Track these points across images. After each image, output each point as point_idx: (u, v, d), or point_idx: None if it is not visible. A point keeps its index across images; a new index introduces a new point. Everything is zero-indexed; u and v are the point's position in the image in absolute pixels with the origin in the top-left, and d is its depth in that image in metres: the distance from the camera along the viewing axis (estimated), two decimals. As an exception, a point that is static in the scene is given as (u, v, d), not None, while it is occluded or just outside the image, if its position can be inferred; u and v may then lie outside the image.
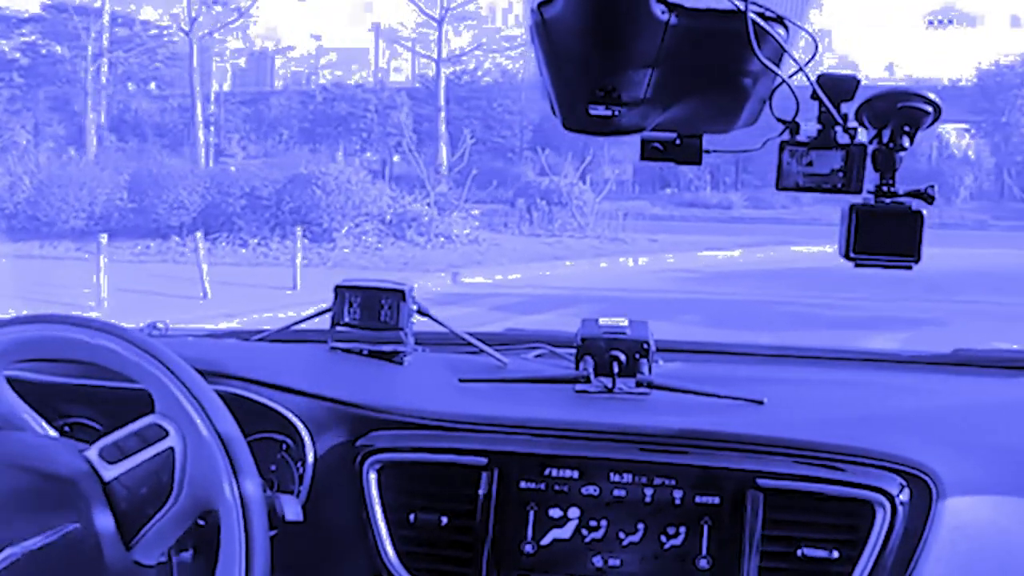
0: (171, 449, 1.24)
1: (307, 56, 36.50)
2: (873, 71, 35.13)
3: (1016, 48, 35.62)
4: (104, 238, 12.61)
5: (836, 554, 1.34)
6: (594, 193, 20.34)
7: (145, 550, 1.23)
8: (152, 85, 31.03)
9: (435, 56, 30.35)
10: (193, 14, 27.58)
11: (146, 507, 1.23)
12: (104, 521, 1.21)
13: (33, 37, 28.73)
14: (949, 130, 31.34)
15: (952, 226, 26.47)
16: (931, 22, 34.98)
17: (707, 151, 1.36)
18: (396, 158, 28.89)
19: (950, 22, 34.08)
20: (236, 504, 1.21)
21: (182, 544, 1.29)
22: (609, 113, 1.14)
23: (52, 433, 1.40)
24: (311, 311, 1.85)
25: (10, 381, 1.40)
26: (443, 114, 29.00)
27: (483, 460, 1.42)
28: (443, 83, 29.82)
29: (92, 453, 1.25)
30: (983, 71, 31.09)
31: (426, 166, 21.29)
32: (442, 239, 17.32)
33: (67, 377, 1.53)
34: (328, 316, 1.78)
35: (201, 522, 1.35)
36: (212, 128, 29.88)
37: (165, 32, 29.64)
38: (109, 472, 1.23)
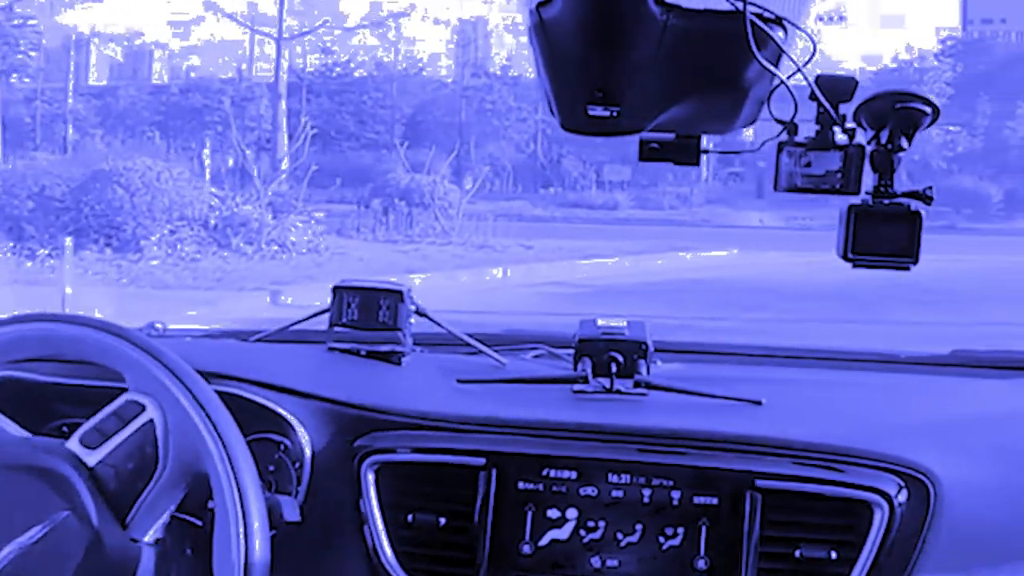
0: (151, 421, 1.25)
1: (185, 48, 33.47)
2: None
3: (917, 44, 34.05)
4: None
5: (834, 555, 1.34)
6: (465, 192, 17.81)
7: (140, 525, 1.24)
8: (14, 77, 28.52)
9: (276, 34, 26.74)
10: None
11: (135, 482, 1.24)
12: (95, 505, 1.21)
13: None
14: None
15: None
16: (820, 18, 34.76)
17: (705, 151, 1.36)
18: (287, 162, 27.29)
19: (841, 19, 33.77)
20: (224, 462, 1.22)
21: (177, 532, 1.29)
22: (607, 114, 1.14)
23: (42, 435, 1.40)
24: (310, 312, 1.85)
25: (4, 382, 1.41)
26: (283, 102, 25.85)
27: (481, 461, 1.42)
28: (284, 65, 26.75)
29: (73, 443, 1.26)
30: (881, 68, 29.76)
31: (263, 162, 18.79)
32: (275, 247, 14.11)
33: (62, 377, 1.53)
34: (326, 316, 1.78)
35: (199, 522, 1.35)
36: (70, 124, 27.83)
37: (29, 22, 27.20)
38: (92, 457, 1.24)
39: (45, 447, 1.27)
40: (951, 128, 28.51)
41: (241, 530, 1.21)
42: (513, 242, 16.29)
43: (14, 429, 1.35)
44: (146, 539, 1.24)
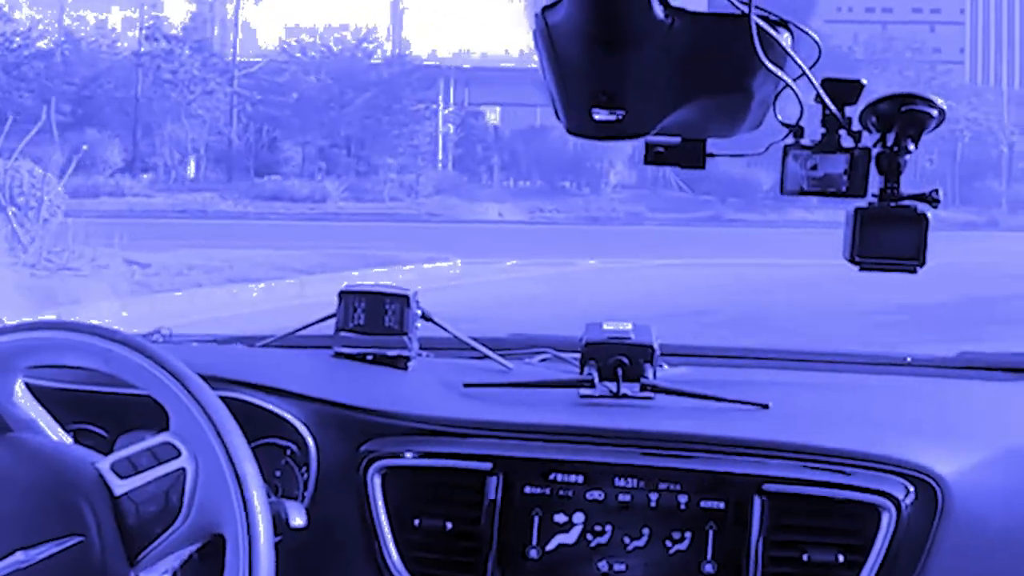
0: (182, 470, 1.24)
1: None
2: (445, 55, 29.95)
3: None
4: None
5: (842, 559, 1.34)
6: (58, 181, 11.44)
7: (148, 569, 1.23)
8: None
9: None
10: None
11: (154, 526, 1.23)
12: (110, 536, 1.21)
13: None
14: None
15: (604, 220, 22.37)
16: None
17: (711, 155, 1.36)
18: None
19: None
20: (243, 531, 1.21)
21: (186, 563, 1.29)
22: (613, 118, 1.14)
23: (67, 440, 1.40)
24: (316, 317, 1.85)
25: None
26: None
27: (488, 465, 1.42)
28: None
29: (104, 465, 1.24)
30: None
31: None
32: None
33: (71, 383, 1.53)
34: (332, 321, 1.78)
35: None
36: None
37: None
38: (120, 486, 1.23)
39: (76, 458, 1.27)
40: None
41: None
42: (120, 257, 11.16)
43: (53, 431, 1.35)
44: None
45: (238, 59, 28.03)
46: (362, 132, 26.60)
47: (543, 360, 1.86)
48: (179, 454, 1.24)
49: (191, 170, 24.78)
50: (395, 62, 29.23)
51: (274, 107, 27.09)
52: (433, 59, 29.58)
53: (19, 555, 1.16)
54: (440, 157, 26.89)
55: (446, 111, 28.51)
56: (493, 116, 29.64)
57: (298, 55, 28.12)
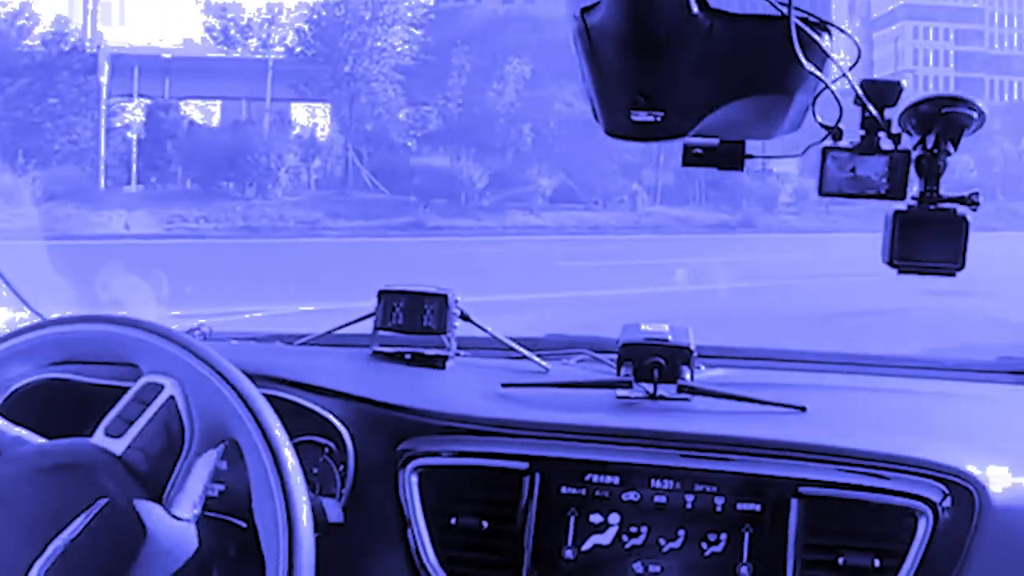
0: (171, 398, 1.25)
1: None
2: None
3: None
4: None
5: (878, 563, 1.33)
6: None
7: (179, 502, 1.24)
8: None
9: None
10: None
11: (167, 460, 1.24)
12: (131, 490, 1.22)
13: None
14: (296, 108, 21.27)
15: (267, 231, 17.38)
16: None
17: (750, 156, 1.36)
18: None
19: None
20: (251, 422, 1.23)
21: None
22: (651, 119, 1.14)
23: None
24: (355, 316, 1.87)
25: (52, 382, 1.42)
26: None
27: (524, 465, 1.43)
28: None
29: (98, 437, 1.26)
30: (313, 13, 21.31)
31: None
32: None
33: (107, 379, 1.55)
34: (371, 321, 1.79)
35: (243, 524, 1.36)
36: None
37: None
38: (119, 445, 1.24)
39: (69, 447, 1.27)
40: (425, 107, 20.87)
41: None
42: None
43: (35, 438, 1.34)
44: (187, 516, 1.24)
45: None
46: (11, 125, 21.70)
47: (580, 361, 1.86)
48: (162, 387, 1.26)
49: None
50: (54, 43, 23.70)
51: None
52: (102, 42, 23.36)
53: (56, 543, 1.17)
54: (103, 155, 21.81)
55: (111, 101, 22.69)
56: (195, 110, 24.11)
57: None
